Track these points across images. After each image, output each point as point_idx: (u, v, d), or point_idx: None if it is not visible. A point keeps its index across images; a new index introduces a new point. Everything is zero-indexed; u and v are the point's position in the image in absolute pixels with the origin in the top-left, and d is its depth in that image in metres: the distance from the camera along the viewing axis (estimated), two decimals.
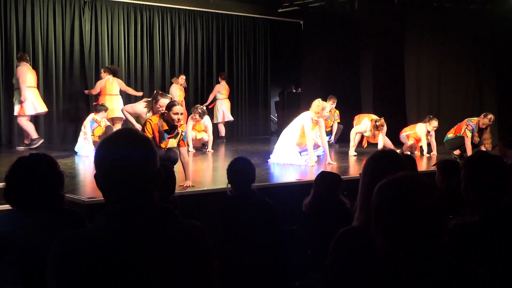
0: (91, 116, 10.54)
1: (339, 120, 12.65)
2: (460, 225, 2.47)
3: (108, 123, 10.54)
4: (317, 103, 8.91)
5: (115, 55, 13.59)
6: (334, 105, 12.36)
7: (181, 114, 6.65)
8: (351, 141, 10.89)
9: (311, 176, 7.67)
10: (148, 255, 1.66)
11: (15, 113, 10.80)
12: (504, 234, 2.44)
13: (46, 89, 12.67)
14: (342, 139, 13.02)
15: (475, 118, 10.25)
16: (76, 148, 10.26)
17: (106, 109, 10.67)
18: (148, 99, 9.48)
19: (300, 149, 9.02)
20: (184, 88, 13.25)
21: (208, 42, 15.28)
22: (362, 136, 11.18)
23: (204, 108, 11.34)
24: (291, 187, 6.90)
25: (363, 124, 10.92)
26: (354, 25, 14.21)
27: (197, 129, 11.20)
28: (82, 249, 1.64)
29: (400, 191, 1.82)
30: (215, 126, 13.53)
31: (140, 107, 9.23)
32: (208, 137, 11.18)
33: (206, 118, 11.23)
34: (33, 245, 2.80)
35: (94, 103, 11.16)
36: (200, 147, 11.28)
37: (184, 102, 12.23)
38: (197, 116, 11.00)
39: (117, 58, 13.58)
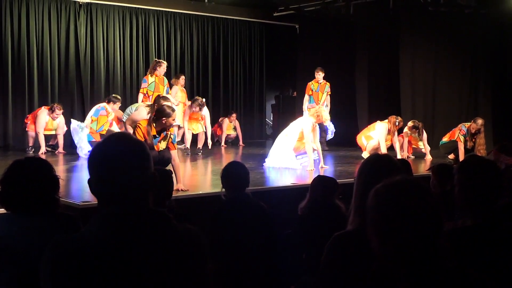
0: (103, 104, 10.56)
1: (330, 92, 12.50)
2: (453, 230, 2.48)
3: (109, 119, 10.54)
4: (316, 107, 9.00)
5: (111, 59, 13.58)
6: (322, 76, 12.33)
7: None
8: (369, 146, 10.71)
9: (306, 180, 7.68)
10: (142, 259, 1.66)
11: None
12: (497, 239, 2.45)
13: (41, 93, 12.67)
14: (337, 142, 13.02)
15: (469, 123, 10.29)
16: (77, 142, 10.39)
17: (120, 101, 10.69)
18: (149, 103, 9.51)
19: (296, 153, 9.04)
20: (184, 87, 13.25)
21: (204, 46, 15.29)
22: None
23: (204, 100, 11.39)
24: (286, 191, 6.90)
25: (378, 128, 10.68)
26: (349, 29, 14.25)
27: (194, 118, 11.15)
28: (76, 253, 1.64)
29: (397, 194, 1.82)
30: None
31: (143, 114, 9.21)
32: (206, 127, 11.18)
33: (205, 109, 11.26)
34: (28, 248, 2.79)
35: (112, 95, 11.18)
36: (196, 150, 11.27)
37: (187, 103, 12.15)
38: (197, 109, 11.04)
39: (112, 62, 13.58)
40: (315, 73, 12.38)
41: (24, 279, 2.79)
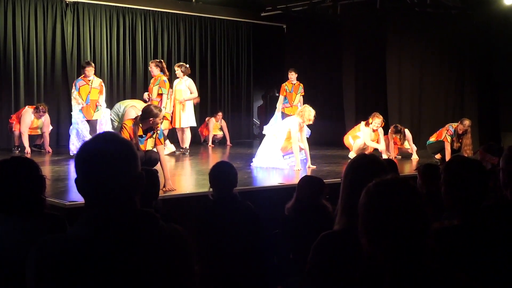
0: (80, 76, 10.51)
1: (303, 93, 12.46)
2: (440, 229, 2.49)
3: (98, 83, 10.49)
4: (309, 111, 8.96)
5: (97, 58, 13.51)
6: (295, 77, 12.28)
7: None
8: (354, 147, 10.75)
9: (294, 179, 7.70)
10: (128, 260, 1.65)
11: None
12: (483, 238, 2.46)
13: (27, 92, 12.60)
14: (324, 142, 13.04)
15: (456, 124, 10.35)
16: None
17: (90, 65, 10.54)
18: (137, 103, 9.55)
19: (284, 153, 9.06)
20: None
21: (191, 46, 15.26)
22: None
23: (188, 66, 11.45)
24: (274, 190, 6.90)
25: (363, 129, 10.70)
26: (336, 29, 14.29)
27: (177, 89, 11.13)
28: (61, 253, 1.63)
29: (388, 193, 1.83)
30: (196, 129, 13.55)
31: (131, 115, 9.20)
32: (192, 94, 11.23)
33: (189, 80, 11.29)
34: (14, 249, 2.77)
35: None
36: (182, 150, 11.26)
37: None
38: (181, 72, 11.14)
39: (99, 61, 13.51)
40: (288, 73, 12.37)
41: (9, 280, 2.78)
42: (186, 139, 11.18)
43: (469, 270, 2.17)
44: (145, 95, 10.75)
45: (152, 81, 10.66)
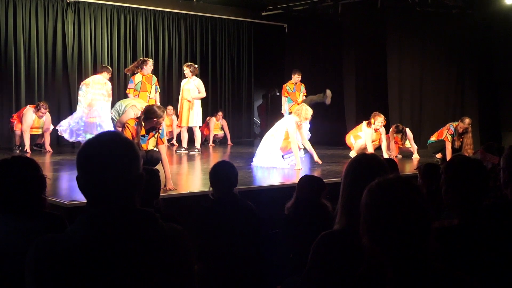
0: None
1: (306, 93, 12.50)
2: (439, 229, 2.49)
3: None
4: (306, 109, 8.95)
5: (98, 57, 13.52)
6: (299, 78, 12.30)
7: None
8: (356, 146, 10.78)
9: (294, 179, 7.69)
10: (127, 259, 1.66)
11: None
12: (483, 238, 2.46)
13: (27, 92, 12.60)
14: (324, 142, 13.03)
15: (456, 123, 10.35)
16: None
17: (106, 70, 10.82)
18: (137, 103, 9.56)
19: (283, 152, 9.05)
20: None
21: (192, 45, 15.26)
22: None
23: (196, 66, 11.51)
24: (274, 190, 6.90)
25: (364, 129, 10.75)
26: (337, 29, 14.28)
27: (185, 88, 11.22)
28: (60, 253, 1.63)
29: (390, 192, 1.83)
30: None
31: (130, 115, 9.21)
32: (200, 93, 11.31)
33: (198, 80, 11.36)
34: (13, 249, 2.77)
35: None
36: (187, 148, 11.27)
37: None
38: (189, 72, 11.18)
39: (100, 61, 13.50)
40: (293, 74, 12.35)
41: (9, 280, 2.77)
42: (197, 139, 11.27)
43: (469, 270, 2.17)
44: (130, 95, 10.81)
45: (143, 79, 10.64)
